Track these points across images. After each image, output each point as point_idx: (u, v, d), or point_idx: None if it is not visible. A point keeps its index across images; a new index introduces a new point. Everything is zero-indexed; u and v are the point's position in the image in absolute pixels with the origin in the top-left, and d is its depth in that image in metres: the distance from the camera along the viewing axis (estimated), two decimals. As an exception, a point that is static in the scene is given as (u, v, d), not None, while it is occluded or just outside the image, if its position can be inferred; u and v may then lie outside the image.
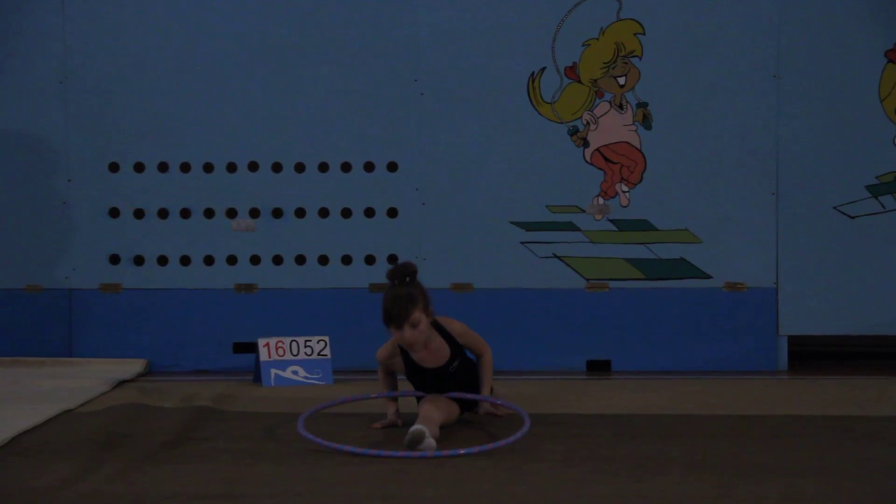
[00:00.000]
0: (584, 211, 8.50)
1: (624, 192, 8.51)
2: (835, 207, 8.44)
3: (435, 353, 6.36)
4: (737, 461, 5.56)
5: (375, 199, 8.56)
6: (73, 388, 7.48)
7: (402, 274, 6.24)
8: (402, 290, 6.17)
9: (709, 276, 8.47)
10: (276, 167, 8.57)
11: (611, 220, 8.51)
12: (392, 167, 8.53)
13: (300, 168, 8.56)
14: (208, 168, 8.58)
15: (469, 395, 6.41)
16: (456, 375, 6.42)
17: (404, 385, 6.60)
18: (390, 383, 6.56)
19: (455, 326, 6.43)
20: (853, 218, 8.45)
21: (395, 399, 6.51)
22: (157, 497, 4.97)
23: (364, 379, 7.84)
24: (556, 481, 5.21)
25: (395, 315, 6.13)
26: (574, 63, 8.49)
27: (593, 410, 6.92)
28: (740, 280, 8.46)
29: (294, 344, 8.02)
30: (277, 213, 8.59)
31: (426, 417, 6.00)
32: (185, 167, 8.58)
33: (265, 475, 5.35)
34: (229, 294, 8.61)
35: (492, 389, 6.57)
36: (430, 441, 5.79)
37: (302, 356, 8.01)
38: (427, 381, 6.39)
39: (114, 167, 8.59)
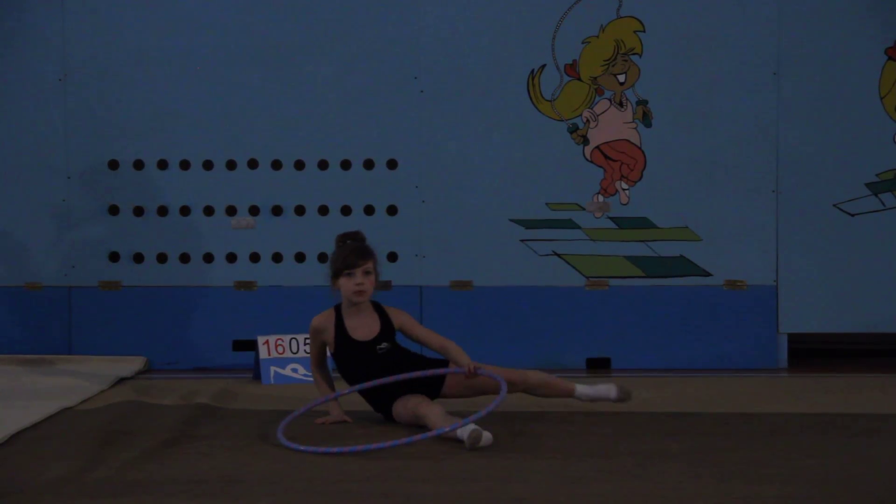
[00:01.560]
0: (583, 209, 8.51)
1: (624, 189, 8.51)
2: (835, 205, 8.46)
3: (366, 324, 6.44)
4: (736, 459, 5.56)
5: (375, 197, 8.57)
6: (72, 386, 7.49)
7: (356, 237, 6.56)
8: (361, 244, 6.49)
9: (709, 274, 8.49)
10: (276, 165, 8.58)
11: (611, 218, 8.52)
12: (392, 165, 8.54)
13: (300, 166, 8.57)
14: (208, 166, 8.59)
15: (441, 370, 6.40)
16: (384, 358, 6.40)
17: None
18: (328, 380, 6.61)
19: (398, 312, 6.57)
20: (853, 216, 8.46)
21: (336, 399, 6.52)
22: (156, 494, 4.96)
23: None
24: (556, 479, 5.21)
25: (354, 258, 6.39)
26: (574, 60, 8.50)
27: (593, 408, 6.86)
28: (740, 278, 8.47)
29: (294, 341, 8.03)
30: (277, 210, 8.60)
31: (441, 416, 5.98)
32: (185, 165, 8.59)
33: (264, 473, 5.35)
34: (229, 292, 8.61)
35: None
36: (487, 434, 5.79)
37: (301, 354, 8.01)
38: (354, 358, 6.40)
39: (113, 165, 8.59)
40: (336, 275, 6.44)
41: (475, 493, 4.97)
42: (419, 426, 6.13)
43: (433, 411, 6.03)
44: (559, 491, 5.00)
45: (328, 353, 6.58)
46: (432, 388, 6.47)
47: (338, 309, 6.52)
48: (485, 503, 4.85)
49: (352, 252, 6.41)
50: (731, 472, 5.31)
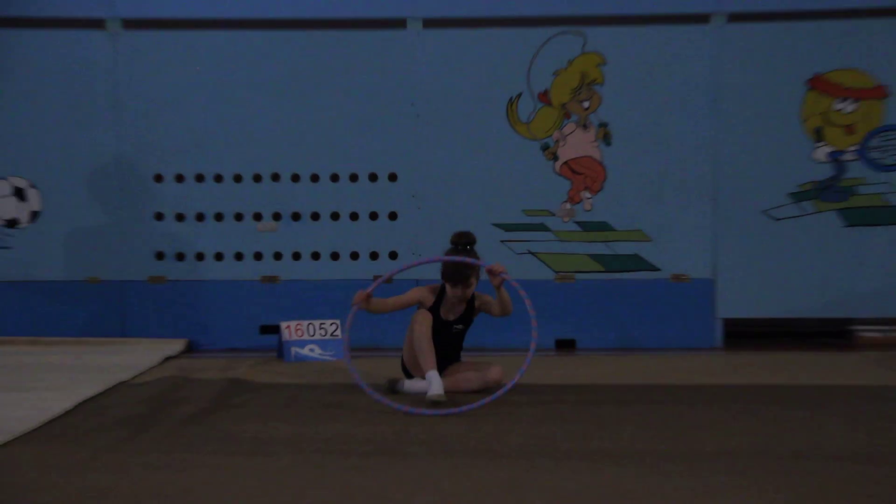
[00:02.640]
0: (553, 214, 8.55)
1: (587, 198, 8.55)
2: (763, 211, 8.50)
3: (457, 309, 6.44)
4: (680, 422, 5.62)
5: (378, 205, 8.60)
6: (126, 363, 7.51)
7: (466, 243, 6.31)
8: (469, 265, 6.26)
9: (658, 269, 8.52)
10: (295, 178, 8.60)
11: (576, 222, 8.56)
12: (392, 177, 8.58)
13: (315, 178, 8.60)
14: (238, 179, 8.62)
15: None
16: (453, 336, 6.48)
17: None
18: (385, 302, 6.39)
19: (482, 298, 6.49)
20: (778, 220, 8.49)
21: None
22: (196, 454, 4.99)
23: (370, 355, 7.86)
24: (530, 440, 5.27)
25: (463, 277, 6.23)
26: (546, 89, 8.52)
27: (561, 381, 6.95)
28: (684, 272, 8.51)
29: (311, 326, 8.06)
30: (296, 216, 8.62)
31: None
32: (219, 178, 8.62)
33: (287, 435, 5.37)
34: (256, 284, 8.63)
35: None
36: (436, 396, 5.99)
37: (318, 336, 8.04)
38: (436, 329, 6.33)
39: (158, 178, 8.62)
40: (444, 278, 6.32)
41: (462, 452, 5.04)
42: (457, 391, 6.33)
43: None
44: (532, 450, 5.08)
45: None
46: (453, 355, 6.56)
47: (443, 289, 6.41)
48: (470, 456, 4.91)
49: (459, 271, 6.23)
50: (676, 432, 5.37)
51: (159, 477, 4.62)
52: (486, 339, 8.06)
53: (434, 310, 6.41)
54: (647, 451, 5.04)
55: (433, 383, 6.08)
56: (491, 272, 6.23)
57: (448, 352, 6.52)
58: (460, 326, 6.48)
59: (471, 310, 6.49)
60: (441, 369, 6.41)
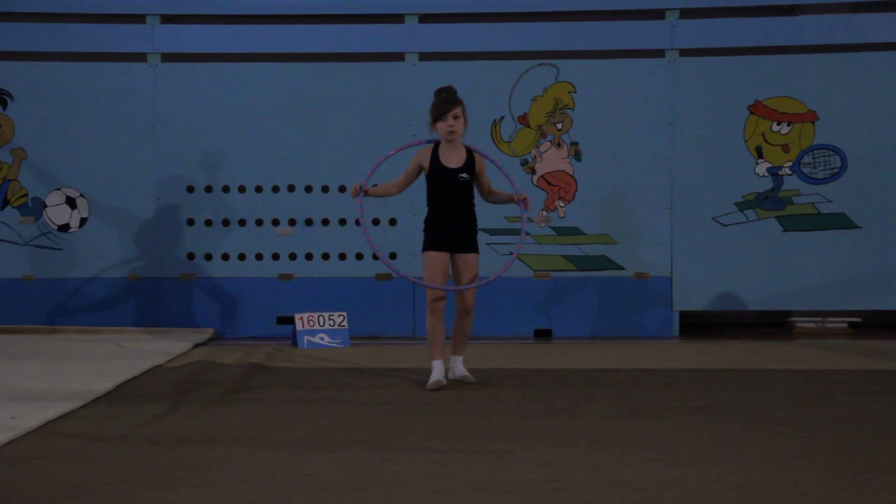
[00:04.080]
0: (532, 220, 8.50)
1: (561, 206, 8.52)
2: (713, 218, 8.48)
3: (456, 156, 6.10)
4: (643, 402, 5.58)
5: (380, 212, 8.56)
6: (161, 349, 7.48)
7: (448, 90, 6.08)
8: (451, 95, 6.04)
9: (622, 268, 8.49)
10: (308, 189, 8.57)
11: (552, 227, 8.53)
12: (392, 189, 8.53)
13: (325, 189, 8.56)
14: (258, 189, 8.57)
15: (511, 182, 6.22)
16: (461, 185, 6.12)
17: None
18: (386, 186, 6.39)
19: (481, 158, 6.21)
20: (726, 226, 8.48)
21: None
22: (221, 430, 4.95)
23: (373, 343, 7.83)
24: (513, 417, 5.22)
25: (446, 105, 5.98)
26: (525, 113, 8.51)
27: (538, 366, 6.92)
28: (645, 271, 8.48)
29: (321, 317, 8.01)
30: (309, 221, 8.58)
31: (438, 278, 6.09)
32: (242, 189, 8.57)
33: (299, 412, 5.34)
34: (274, 281, 8.58)
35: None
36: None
37: (327, 326, 7.99)
38: (441, 179, 6.10)
39: (190, 189, 8.58)
40: (434, 120, 6.03)
41: (453, 428, 4.96)
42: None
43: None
44: (515, 426, 5.01)
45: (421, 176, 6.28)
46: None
47: (437, 145, 6.14)
48: (461, 431, 4.83)
49: (443, 101, 6.00)
50: (639, 411, 5.33)
51: (188, 450, 4.53)
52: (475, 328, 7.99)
53: (435, 162, 6.11)
54: (614, 426, 4.98)
55: (434, 371, 6.04)
56: (521, 197, 6.18)
57: (460, 205, 6.15)
58: (465, 176, 6.12)
59: (472, 161, 6.16)
60: (456, 239, 6.20)
